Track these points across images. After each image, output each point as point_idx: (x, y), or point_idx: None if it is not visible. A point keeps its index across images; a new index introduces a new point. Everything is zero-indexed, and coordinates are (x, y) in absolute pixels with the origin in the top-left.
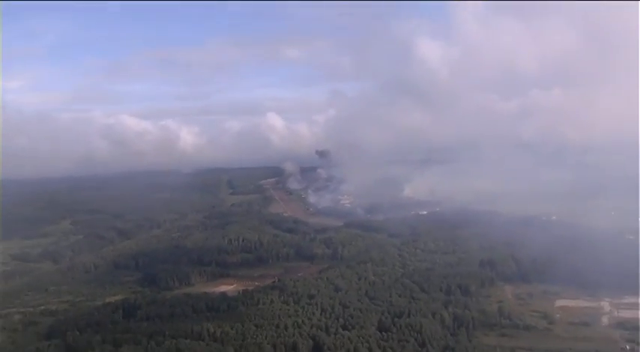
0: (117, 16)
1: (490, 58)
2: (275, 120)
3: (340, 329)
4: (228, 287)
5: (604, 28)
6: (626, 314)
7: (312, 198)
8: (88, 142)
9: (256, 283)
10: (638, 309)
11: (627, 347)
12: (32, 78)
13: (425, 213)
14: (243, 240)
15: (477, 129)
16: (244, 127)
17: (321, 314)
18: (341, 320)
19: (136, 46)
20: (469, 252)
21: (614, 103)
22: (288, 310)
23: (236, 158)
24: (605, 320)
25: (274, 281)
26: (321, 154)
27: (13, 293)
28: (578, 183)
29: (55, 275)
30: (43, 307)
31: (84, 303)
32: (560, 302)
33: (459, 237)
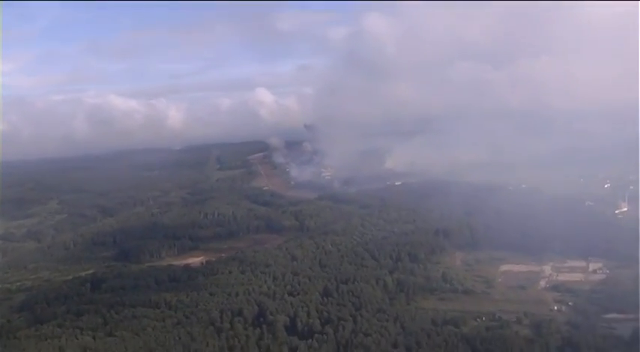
0: None
1: (478, 25)
2: (265, 96)
3: (286, 295)
4: (194, 260)
5: None
6: (564, 277)
7: (294, 172)
8: (79, 123)
9: (222, 255)
10: (576, 272)
11: (555, 308)
12: (24, 61)
13: (399, 184)
14: (217, 215)
15: (461, 100)
16: (235, 103)
17: (272, 282)
18: (289, 287)
19: (127, 26)
20: (428, 221)
21: (606, 69)
22: (243, 279)
23: (227, 134)
24: (542, 283)
25: (236, 253)
26: (309, 128)
27: None
28: (559, 151)
29: (35, 254)
30: (19, 283)
31: (58, 278)
32: (504, 267)
33: (424, 207)
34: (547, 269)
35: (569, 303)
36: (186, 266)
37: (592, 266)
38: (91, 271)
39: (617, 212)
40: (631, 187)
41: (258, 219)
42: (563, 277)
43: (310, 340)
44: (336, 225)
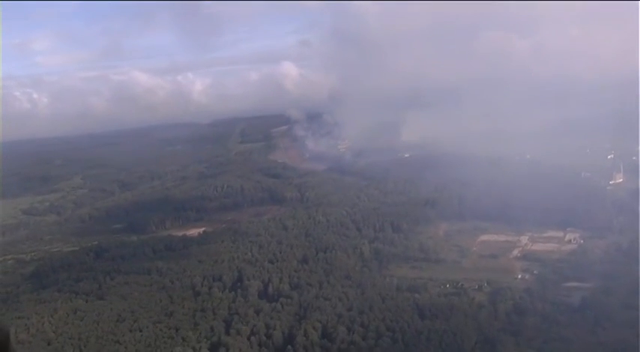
0: None
1: None
2: (291, 69)
3: (266, 263)
4: (195, 231)
5: None
6: (537, 247)
7: (311, 145)
8: (109, 100)
9: (222, 226)
10: (551, 242)
11: (519, 276)
12: (53, 39)
13: (407, 156)
14: (226, 188)
15: (482, 70)
16: (263, 76)
17: (258, 251)
18: (270, 255)
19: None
20: (422, 192)
21: (628, 40)
22: (232, 248)
23: (255, 107)
24: (515, 252)
25: (233, 224)
26: (331, 100)
27: (13, 243)
28: (573, 121)
29: (53, 227)
30: (33, 253)
31: (67, 249)
32: (483, 237)
33: (422, 179)
34: (524, 239)
35: (534, 272)
36: (184, 237)
37: (568, 237)
38: (96, 242)
39: (610, 183)
40: (633, 158)
41: (264, 191)
42: (537, 247)
43: (275, 303)
44: (334, 196)
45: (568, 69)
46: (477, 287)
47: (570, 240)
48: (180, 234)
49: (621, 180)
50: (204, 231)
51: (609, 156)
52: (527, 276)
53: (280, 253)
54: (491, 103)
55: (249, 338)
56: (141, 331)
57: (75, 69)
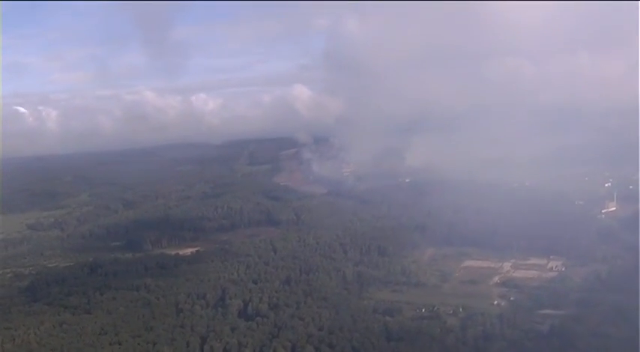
0: None
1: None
2: (302, 92)
3: (250, 283)
4: (190, 250)
5: None
6: (519, 274)
7: (317, 168)
8: (123, 118)
9: (216, 246)
10: (533, 270)
11: (496, 302)
12: (69, 58)
13: (408, 181)
14: (226, 209)
15: (489, 96)
16: (275, 99)
17: (244, 271)
18: (255, 275)
19: (171, 22)
20: (414, 217)
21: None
22: (220, 267)
23: (267, 129)
24: (496, 279)
25: (226, 244)
26: (339, 124)
27: (14, 257)
28: (575, 148)
29: (54, 242)
30: (31, 267)
31: (64, 264)
32: (467, 263)
33: (417, 204)
34: (507, 265)
35: (511, 298)
36: (177, 256)
37: (550, 264)
38: (92, 258)
39: (603, 212)
40: (630, 187)
41: (262, 213)
42: (518, 274)
43: (252, 322)
44: (328, 220)
45: (574, 95)
46: (451, 312)
47: (552, 268)
48: (173, 252)
49: (614, 208)
50: (196, 251)
51: (606, 185)
52: (503, 303)
53: (265, 274)
54: (495, 129)
55: None
56: (120, 344)
57: (92, 87)
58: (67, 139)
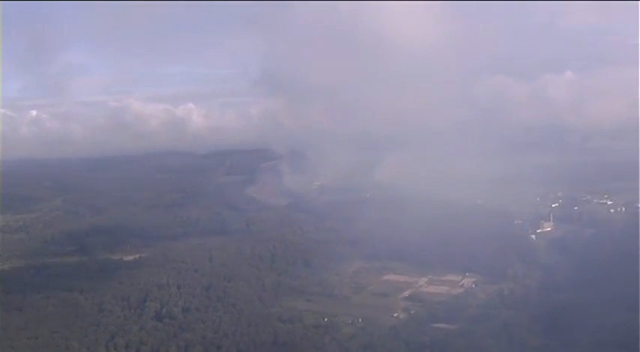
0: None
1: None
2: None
3: (174, 288)
4: (134, 256)
5: None
6: (430, 289)
7: (288, 180)
8: (111, 125)
9: (160, 253)
10: (445, 285)
11: (395, 315)
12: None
13: (368, 195)
14: (185, 217)
15: (467, 114)
16: (264, 109)
17: (175, 276)
18: (181, 280)
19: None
20: (354, 231)
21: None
22: (153, 272)
23: (256, 140)
24: (406, 293)
25: (169, 251)
26: (318, 137)
27: None
28: (541, 167)
29: (16, 244)
30: None
31: (15, 266)
32: (387, 277)
33: (362, 218)
34: (422, 280)
35: (411, 312)
36: (119, 260)
37: (464, 281)
38: (42, 261)
39: (538, 231)
40: (575, 208)
41: (216, 223)
42: (430, 289)
43: (160, 323)
44: (273, 231)
45: (558, 116)
46: (350, 321)
47: (463, 284)
48: (117, 258)
49: (550, 229)
50: (139, 257)
51: (554, 205)
52: (402, 315)
53: (190, 280)
54: (468, 147)
55: (116, 349)
56: (36, 339)
57: (87, 93)
58: (57, 144)
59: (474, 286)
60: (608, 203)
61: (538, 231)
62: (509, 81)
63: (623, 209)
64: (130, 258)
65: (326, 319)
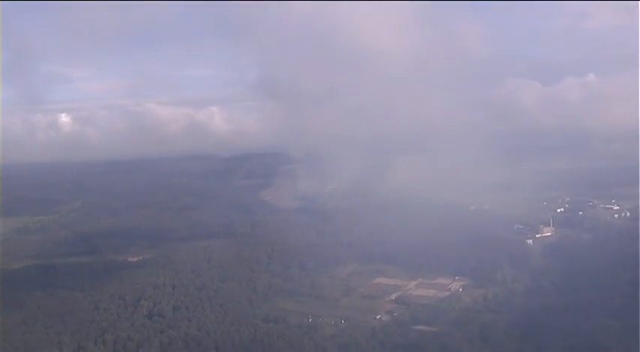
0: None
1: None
2: None
3: (168, 287)
4: (139, 257)
5: None
6: (418, 292)
7: (303, 184)
8: (133, 128)
9: (163, 254)
10: (434, 289)
11: (378, 317)
12: (95, 67)
13: (376, 199)
14: (195, 220)
15: (478, 118)
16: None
17: (173, 277)
18: (177, 281)
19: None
20: (352, 234)
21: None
22: (153, 273)
23: (277, 143)
24: (393, 295)
25: (172, 253)
26: (335, 140)
27: None
28: (556, 173)
29: (32, 245)
30: None
31: (28, 264)
32: (378, 280)
33: (363, 222)
34: (412, 284)
35: (395, 314)
36: (124, 261)
37: (453, 285)
38: (52, 261)
39: (537, 236)
40: (580, 212)
41: (224, 226)
42: (417, 292)
43: (149, 320)
44: (277, 234)
45: (578, 119)
46: (333, 322)
47: (451, 288)
48: (122, 258)
49: (549, 233)
50: (143, 258)
51: (559, 210)
52: (384, 317)
53: (185, 280)
54: (483, 152)
55: (105, 344)
56: (32, 333)
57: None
58: (80, 148)
59: (460, 290)
60: (615, 208)
61: (537, 235)
62: (530, 84)
63: (628, 214)
64: (135, 259)
65: (310, 319)
